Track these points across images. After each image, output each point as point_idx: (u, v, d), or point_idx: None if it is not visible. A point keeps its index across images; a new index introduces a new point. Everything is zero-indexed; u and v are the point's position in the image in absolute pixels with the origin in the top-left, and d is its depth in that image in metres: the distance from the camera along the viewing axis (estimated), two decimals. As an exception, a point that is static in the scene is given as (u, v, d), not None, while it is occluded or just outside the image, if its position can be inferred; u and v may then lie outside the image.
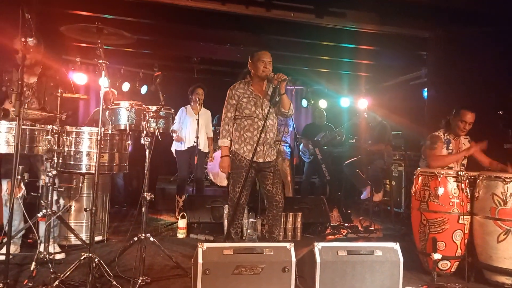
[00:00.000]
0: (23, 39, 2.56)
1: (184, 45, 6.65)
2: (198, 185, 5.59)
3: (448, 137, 3.98)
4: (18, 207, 3.30)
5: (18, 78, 2.54)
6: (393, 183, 6.28)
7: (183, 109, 5.57)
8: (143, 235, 2.96)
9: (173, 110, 3.16)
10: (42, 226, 3.13)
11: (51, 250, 2.93)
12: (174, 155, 5.60)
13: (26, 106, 3.05)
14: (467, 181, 3.41)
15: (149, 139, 2.96)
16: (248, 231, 4.30)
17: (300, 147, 6.88)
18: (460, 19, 5.03)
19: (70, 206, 3.75)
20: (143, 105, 2.98)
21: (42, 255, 2.84)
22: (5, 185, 3.36)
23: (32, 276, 2.72)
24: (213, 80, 7.90)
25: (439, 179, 3.41)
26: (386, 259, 2.71)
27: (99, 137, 2.69)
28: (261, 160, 3.46)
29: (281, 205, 3.53)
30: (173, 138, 5.46)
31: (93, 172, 2.83)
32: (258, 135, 3.34)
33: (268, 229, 3.58)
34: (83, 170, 3.06)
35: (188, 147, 5.40)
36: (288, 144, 6.41)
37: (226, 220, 4.40)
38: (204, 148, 5.58)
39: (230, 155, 3.51)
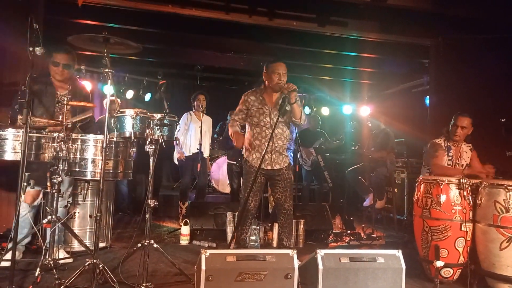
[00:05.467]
0: (30, 49, 2.60)
1: (188, 53, 6.71)
2: (200, 191, 5.61)
3: (448, 143, 4.08)
4: (31, 215, 3.33)
5: (25, 87, 2.59)
6: (396, 190, 6.27)
7: (187, 114, 5.55)
8: (147, 241, 2.98)
9: (177, 118, 3.20)
10: (47, 233, 3.16)
11: (58, 256, 2.96)
12: (176, 162, 5.62)
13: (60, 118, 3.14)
14: (469, 188, 3.41)
15: (154, 147, 2.99)
16: (251, 237, 4.30)
17: (300, 155, 6.85)
18: (462, 27, 5.07)
19: (75, 212, 3.79)
20: (148, 113, 3.02)
21: (47, 261, 2.87)
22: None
23: (37, 282, 2.73)
24: (216, 88, 7.96)
25: (441, 186, 3.41)
26: (389, 266, 2.71)
27: (104, 145, 2.74)
28: (269, 167, 3.52)
29: (289, 213, 3.58)
30: (176, 146, 5.48)
31: (98, 179, 2.87)
32: (266, 144, 3.39)
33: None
34: (88, 177, 3.09)
35: (193, 153, 5.43)
36: (291, 150, 6.40)
37: (228, 227, 4.43)
38: (207, 154, 5.62)
39: (243, 160, 3.62)
